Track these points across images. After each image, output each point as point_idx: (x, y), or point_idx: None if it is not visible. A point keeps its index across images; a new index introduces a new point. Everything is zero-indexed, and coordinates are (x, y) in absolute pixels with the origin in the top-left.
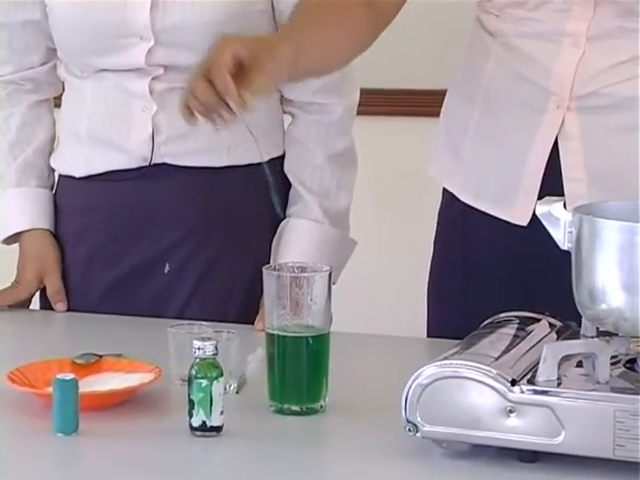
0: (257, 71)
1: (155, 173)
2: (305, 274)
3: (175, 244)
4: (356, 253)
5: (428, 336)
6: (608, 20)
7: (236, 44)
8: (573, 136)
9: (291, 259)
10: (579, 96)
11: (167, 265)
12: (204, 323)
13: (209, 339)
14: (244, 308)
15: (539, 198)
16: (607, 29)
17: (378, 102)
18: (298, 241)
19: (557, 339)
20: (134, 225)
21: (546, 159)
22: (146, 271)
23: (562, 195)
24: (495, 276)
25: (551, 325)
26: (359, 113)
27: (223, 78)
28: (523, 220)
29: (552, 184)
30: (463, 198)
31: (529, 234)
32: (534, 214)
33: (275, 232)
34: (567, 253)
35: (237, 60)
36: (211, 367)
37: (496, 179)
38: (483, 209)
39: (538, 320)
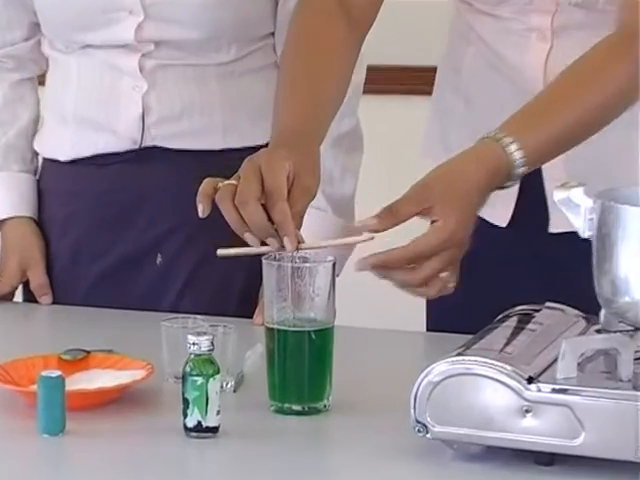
0: (302, 193)
1: (146, 157)
2: (307, 264)
3: (168, 233)
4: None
5: (427, 330)
6: (571, 12)
7: (285, 160)
8: None
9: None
10: None
11: (159, 256)
12: (199, 317)
13: (204, 334)
14: (242, 301)
15: (518, 200)
16: (572, 21)
17: (388, 80)
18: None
19: (578, 334)
20: (123, 212)
21: None
22: (137, 262)
23: (543, 198)
24: (494, 269)
25: (571, 318)
26: (365, 92)
27: (283, 212)
28: (502, 221)
29: (532, 185)
30: None
31: (507, 235)
32: (513, 216)
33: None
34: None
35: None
36: (207, 364)
37: None
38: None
39: (557, 312)
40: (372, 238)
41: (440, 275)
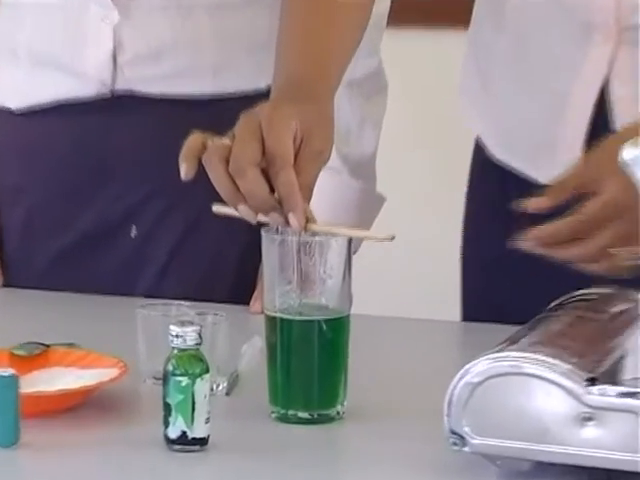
0: (311, 158)
1: (118, 106)
2: (317, 238)
3: (144, 200)
4: (383, 213)
5: (463, 319)
6: None
7: (291, 117)
8: (625, 77)
9: None
10: (628, 27)
11: (134, 228)
12: (184, 303)
13: (190, 324)
14: (236, 283)
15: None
16: None
17: (415, 10)
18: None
19: None
20: (90, 175)
21: (592, 105)
22: (106, 236)
23: None
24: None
25: None
26: (389, 25)
27: (289, 182)
28: None
29: (599, 137)
30: (494, 149)
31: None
32: None
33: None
34: None
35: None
36: (193, 361)
37: (529, 128)
38: (515, 165)
39: (625, 298)
40: (392, 238)
41: (612, 250)
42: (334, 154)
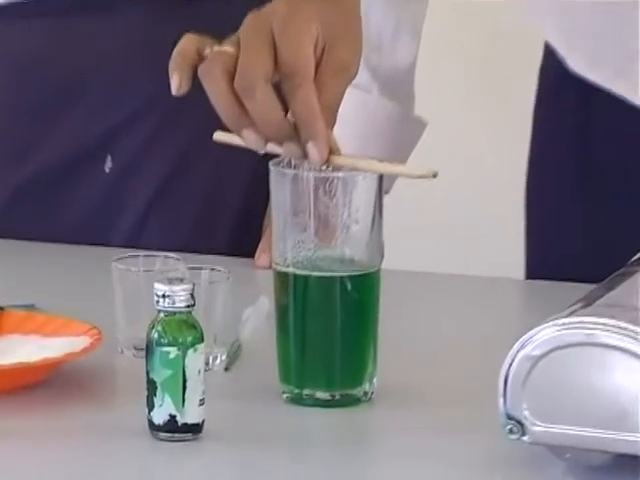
0: (336, 71)
1: (91, 4)
2: (339, 174)
3: (124, 124)
4: (421, 145)
5: (527, 277)
6: None
7: (311, 20)
8: None
9: None
10: None
11: (109, 159)
12: (172, 254)
13: (180, 281)
14: (237, 230)
15: None
16: None
17: None
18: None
19: None
20: (55, 94)
21: None
22: (75, 170)
23: None
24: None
25: None
26: None
27: (308, 102)
28: None
29: None
30: (572, 62)
31: None
32: None
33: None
34: None
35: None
36: (184, 327)
37: (614, 35)
38: (600, 82)
39: None
40: (434, 175)
41: None
42: (362, 68)
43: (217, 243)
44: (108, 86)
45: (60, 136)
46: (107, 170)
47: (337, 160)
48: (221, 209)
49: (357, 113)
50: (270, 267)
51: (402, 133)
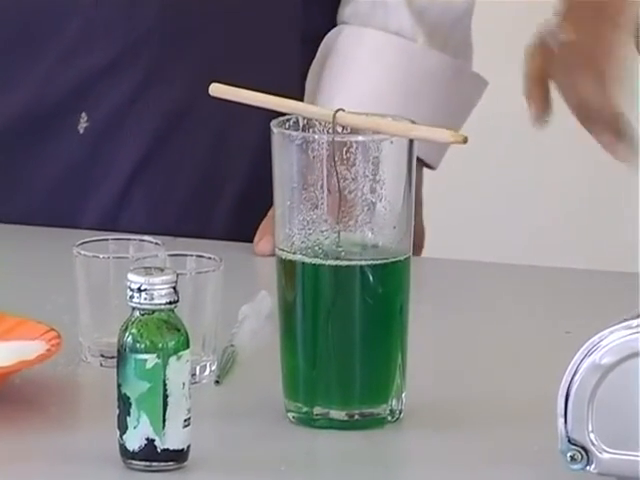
0: None
1: None
2: (359, 137)
3: (101, 74)
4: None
5: None
6: None
7: None
8: None
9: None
10: None
11: (83, 115)
12: (148, 237)
13: (160, 271)
14: (238, 211)
15: None
16: None
17: None
18: (364, 70)
19: None
20: (17, 33)
21: None
22: (38, 129)
23: None
24: None
25: None
26: None
27: None
28: None
29: None
30: None
31: None
32: None
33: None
34: None
35: None
36: (164, 330)
37: None
38: None
39: None
40: (465, 140)
41: None
42: (404, 11)
43: (214, 226)
44: (83, 28)
45: (22, 87)
46: (81, 131)
47: (345, 118)
48: (220, 183)
49: (400, 65)
50: (272, 254)
51: (455, 92)
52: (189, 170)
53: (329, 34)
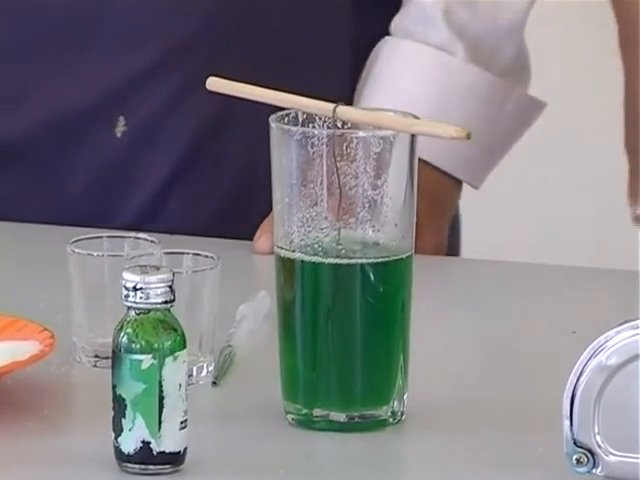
0: None
1: None
2: (360, 132)
3: (141, 79)
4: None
5: None
6: None
7: None
8: None
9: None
10: None
11: (121, 119)
12: (143, 235)
13: (156, 269)
14: (230, 205)
15: None
16: None
17: None
18: (397, 79)
19: None
20: (58, 34)
21: None
22: (75, 131)
23: None
24: None
25: None
26: None
27: None
28: None
29: None
30: None
31: None
32: None
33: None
34: None
35: None
36: (160, 330)
37: None
38: None
39: None
40: (468, 135)
41: None
42: (442, 25)
43: (249, 231)
44: (125, 31)
45: (60, 87)
46: (118, 135)
47: (346, 112)
48: (256, 189)
49: (435, 76)
50: (271, 252)
51: (499, 112)
52: (225, 176)
53: (378, 44)
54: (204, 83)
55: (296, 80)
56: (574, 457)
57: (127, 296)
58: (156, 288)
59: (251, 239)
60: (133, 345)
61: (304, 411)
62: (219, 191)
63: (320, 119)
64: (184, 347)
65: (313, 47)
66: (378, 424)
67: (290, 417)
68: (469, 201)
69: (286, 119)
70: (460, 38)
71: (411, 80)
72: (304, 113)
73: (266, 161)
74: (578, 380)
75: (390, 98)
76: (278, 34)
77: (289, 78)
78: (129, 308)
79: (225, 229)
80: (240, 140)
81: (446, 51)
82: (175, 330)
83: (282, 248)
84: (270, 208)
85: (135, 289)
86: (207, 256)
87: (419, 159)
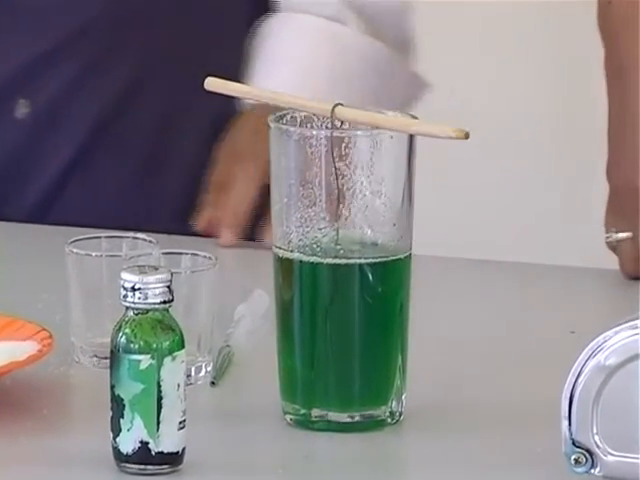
0: None
1: None
2: (358, 132)
3: (45, 59)
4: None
5: None
6: None
7: None
8: None
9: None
10: None
11: (23, 101)
12: (142, 235)
13: (154, 269)
14: (183, 204)
15: None
16: None
17: None
18: (289, 51)
19: None
20: None
21: None
22: None
23: None
24: None
25: None
26: None
27: None
28: None
29: None
30: None
31: None
32: None
33: None
34: None
35: None
36: (159, 330)
37: None
38: None
39: None
40: (466, 136)
41: None
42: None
43: (155, 220)
44: (24, 15)
45: None
46: (19, 117)
47: (344, 113)
48: (163, 176)
49: (331, 47)
50: (210, 233)
51: (389, 85)
52: (129, 159)
53: (266, 20)
54: (104, 68)
55: (196, 65)
56: (572, 457)
57: (125, 296)
58: (154, 288)
59: (159, 223)
60: (131, 345)
61: (302, 411)
62: (124, 174)
63: (318, 119)
64: (182, 347)
65: (211, 31)
66: (376, 424)
67: (288, 417)
68: (469, 201)
69: (284, 119)
70: (351, 9)
71: (305, 52)
72: (302, 113)
73: (173, 142)
74: (577, 380)
75: (286, 71)
76: (176, 20)
77: (189, 64)
78: (127, 308)
79: (131, 212)
80: (144, 123)
81: (337, 20)
82: (173, 330)
83: (280, 248)
84: (179, 188)
85: (133, 289)
86: (205, 256)
87: None
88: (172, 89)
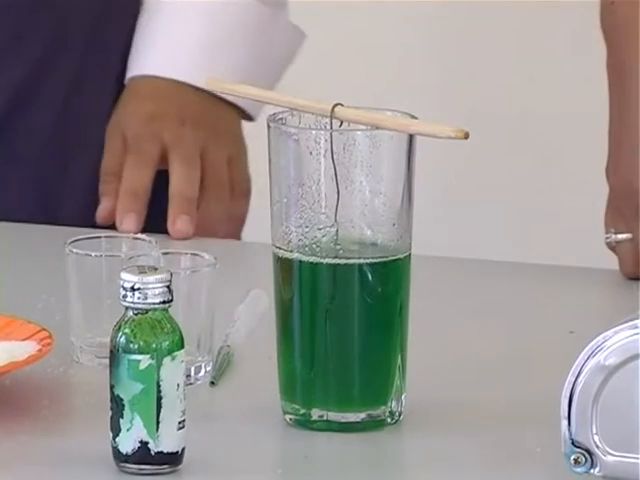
0: None
1: None
2: (358, 132)
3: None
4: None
5: None
6: None
7: None
8: None
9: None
10: None
11: None
12: (142, 235)
13: (154, 270)
14: (84, 193)
15: None
16: None
17: None
18: (166, 26)
19: None
20: None
21: None
22: None
23: None
24: None
25: None
26: None
27: None
28: None
29: None
30: None
31: None
32: None
33: None
34: None
35: None
36: (158, 330)
37: None
38: None
39: None
40: (466, 135)
41: None
42: None
43: (60, 212)
44: None
45: None
46: None
47: (344, 112)
48: (69, 159)
49: (201, 16)
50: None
51: (269, 41)
52: (31, 151)
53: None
54: (2, 58)
55: (99, 52)
56: (572, 457)
57: (125, 296)
58: (154, 288)
59: (65, 213)
60: (131, 345)
61: (302, 411)
62: (25, 163)
63: (317, 119)
64: (182, 347)
65: (112, 17)
66: (376, 424)
67: (288, 417)
68: (469, 201)
69: (284, 119)
70: None
71: (179, 25)
72: (302, 113)
73: (76, 129)
74: (576, 380)
75: (163, 47)
76: (76, 7)
77: (91, 50)
78: (127, 308)
79: (37, 205)
80: (44, 113)
81: None
82: (173, 330)
83: (280, 248)
84: (85, 176)
85: (133, 289)
86: (205, 256)
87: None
88: (79, 69)
